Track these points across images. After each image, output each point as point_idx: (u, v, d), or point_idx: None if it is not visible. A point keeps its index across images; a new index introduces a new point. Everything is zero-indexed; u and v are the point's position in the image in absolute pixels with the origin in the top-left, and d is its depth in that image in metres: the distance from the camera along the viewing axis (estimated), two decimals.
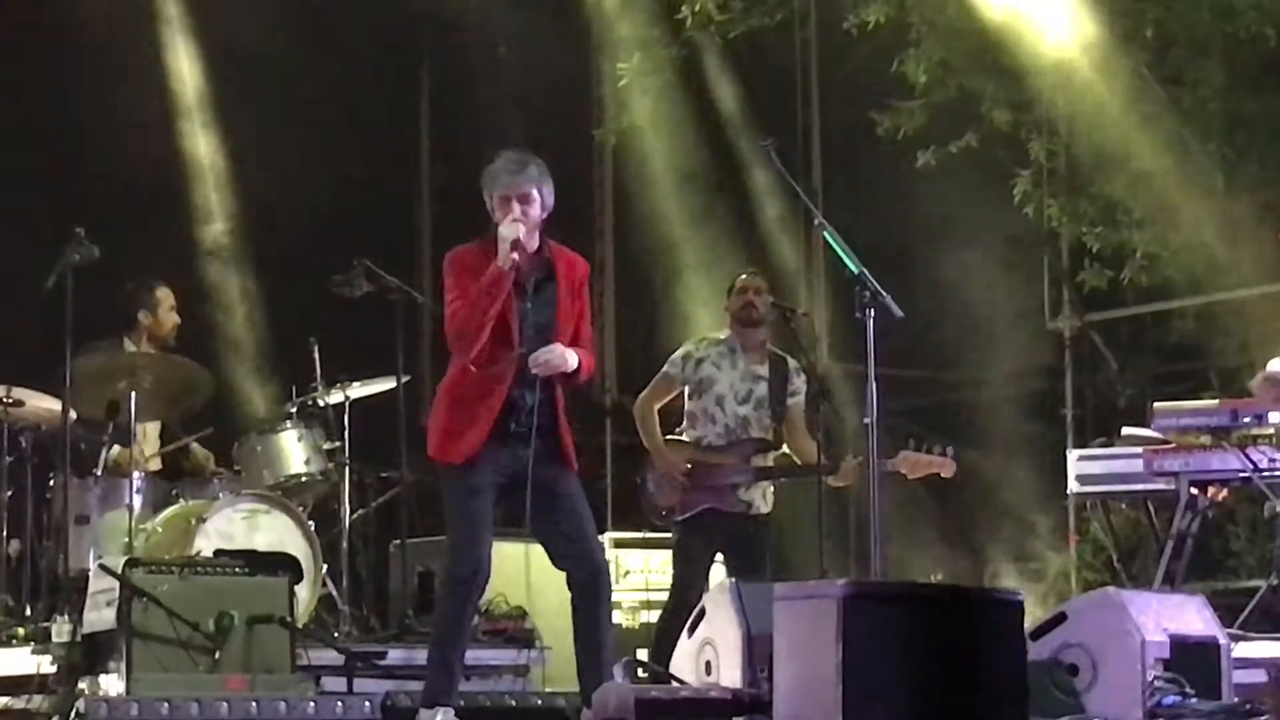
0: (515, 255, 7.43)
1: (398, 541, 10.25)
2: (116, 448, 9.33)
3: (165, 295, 9.98)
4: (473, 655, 9.01)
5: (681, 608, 8.29)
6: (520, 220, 7.49)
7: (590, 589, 7.59)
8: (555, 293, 7.61)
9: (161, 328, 9.91)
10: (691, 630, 7.43)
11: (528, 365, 7.50)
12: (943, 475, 9.11)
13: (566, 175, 13.50)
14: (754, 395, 9.36)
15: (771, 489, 9.36)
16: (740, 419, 9.31)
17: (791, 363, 9.49)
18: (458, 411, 7.54)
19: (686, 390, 9.42)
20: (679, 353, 9.50)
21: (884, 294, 7.49)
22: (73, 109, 11.08)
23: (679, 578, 9.26)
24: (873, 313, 7.53)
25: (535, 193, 7.55)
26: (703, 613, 7.41)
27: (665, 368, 9.51)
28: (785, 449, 9.36)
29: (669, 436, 9.41)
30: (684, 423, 9.44)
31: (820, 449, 9.13)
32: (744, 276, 9.57)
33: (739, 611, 7.22)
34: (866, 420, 7.59)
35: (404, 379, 10.09)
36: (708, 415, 9.34)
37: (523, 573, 9.93)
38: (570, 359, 7.54)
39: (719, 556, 9.32)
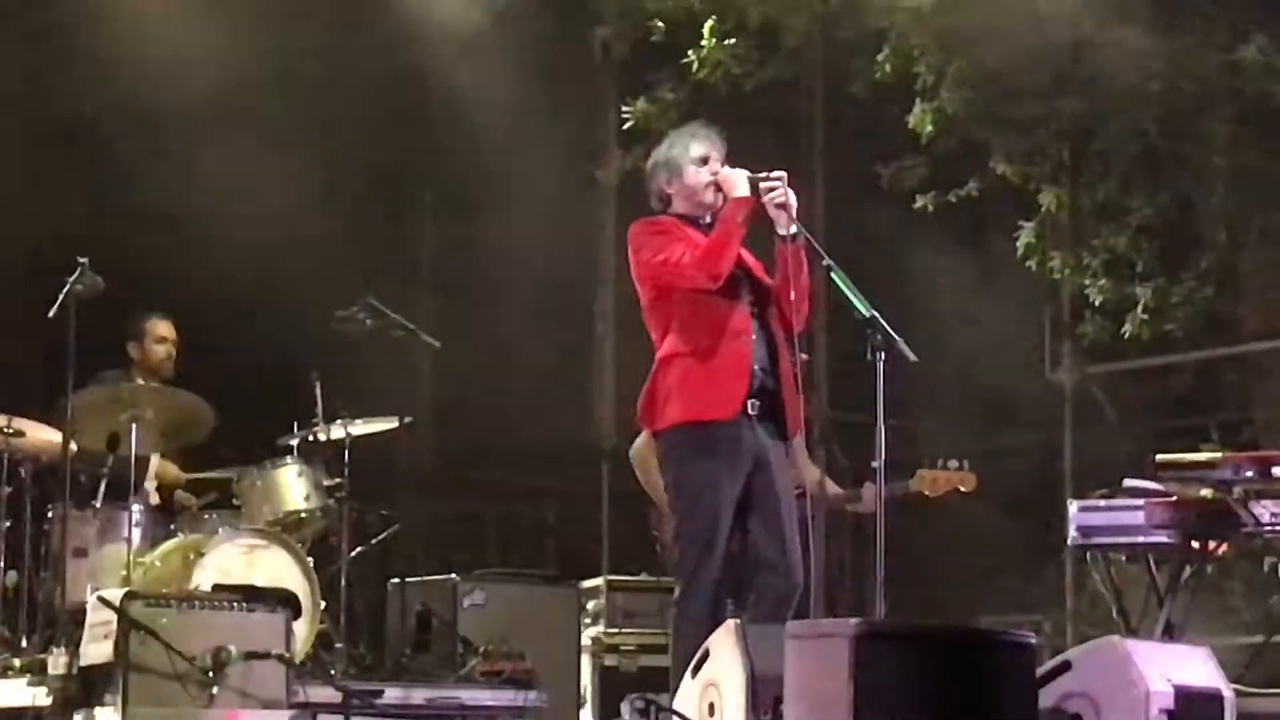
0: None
1: (396, 580, 10.20)
2: (155, 458, 9.39)
3: (153, 326, 10.02)
4: (470, 696, 8.99)
5: None
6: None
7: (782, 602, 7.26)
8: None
9: (150, 359, 9.96)
10: (695, 671, 7.38)
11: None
12: (963, 489, 9.03)
13: (570, 217, 13.51)
14: None
15: None
16: None
17: None
18: (702, 364, 7.22)
19: None
20: None
21: (897, 338, 7.44)
22: (81, 136, 11.07)
23: None
24: (883, 356, 7.49)
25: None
26: (706, 654, 7.35)
27: None
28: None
29: None
30: None
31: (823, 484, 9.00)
32: None
33: (744, 652, 7.17)
34: (875, 464, 7.55)
35: (405, 420, 10.07)
36: None
37: (520, 614, 9.87)
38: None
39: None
